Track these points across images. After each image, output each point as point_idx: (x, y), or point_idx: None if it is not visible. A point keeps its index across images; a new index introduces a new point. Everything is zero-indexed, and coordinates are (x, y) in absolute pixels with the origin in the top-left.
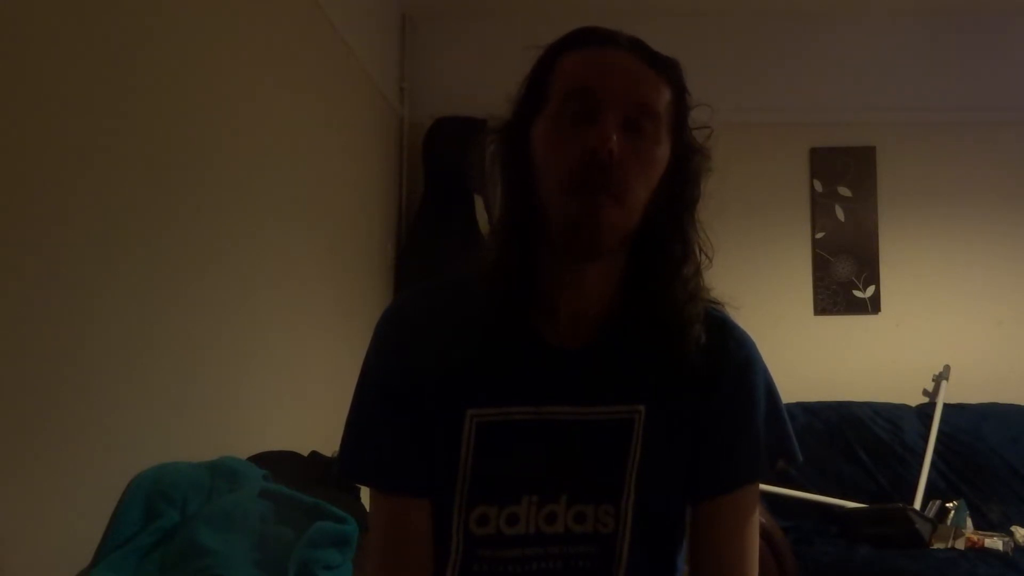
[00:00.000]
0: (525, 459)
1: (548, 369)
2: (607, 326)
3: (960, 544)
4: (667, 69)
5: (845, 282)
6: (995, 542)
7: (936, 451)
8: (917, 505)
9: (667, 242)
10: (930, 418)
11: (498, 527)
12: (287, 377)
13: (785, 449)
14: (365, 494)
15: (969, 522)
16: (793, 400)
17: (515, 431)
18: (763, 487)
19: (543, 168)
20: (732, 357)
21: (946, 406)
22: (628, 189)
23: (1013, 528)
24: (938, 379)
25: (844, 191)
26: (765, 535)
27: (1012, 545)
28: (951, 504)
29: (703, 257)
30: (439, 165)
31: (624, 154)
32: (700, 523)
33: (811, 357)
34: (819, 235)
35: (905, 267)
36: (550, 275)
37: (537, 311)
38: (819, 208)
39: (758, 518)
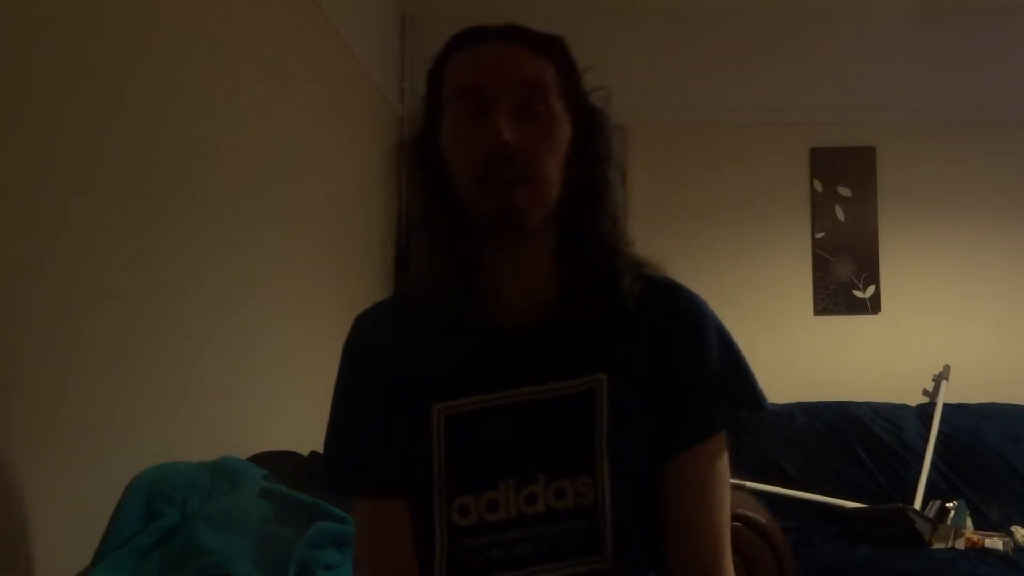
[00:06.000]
0: (496, 444)
1: (504, 353)
2: (554, 302)
3: (960, 544)
4: (546, 47)
5: (845, 282)
6: (995, 542)
7: (936, 451)
8: (917, 505)
9: (584, 207)
10: (930, 418)
11: (479, 515)
12: (287, 377)
13: (746, 396)
14: None
15: (969, 522)
16: (793, 400)
17: (482, 418)
18: (763, 487)
19: (455, 168)
20: (682, 314)
21: (946, 406)
22: (537, 169)
23: (1013, 528)
24: (938, 379)
25: (844, 191)
26: (765, 534)
27: (1012, 545)
28: (951, 504)
29: (619, 214)
30: None
31: (522, 139)
32: (668, 483)
33: (811, 357)
34: (819, 235)
35: (905, 267)
36: (487, 262)
37: (484, 298)
38: (819, 208)
39: (727, 474)
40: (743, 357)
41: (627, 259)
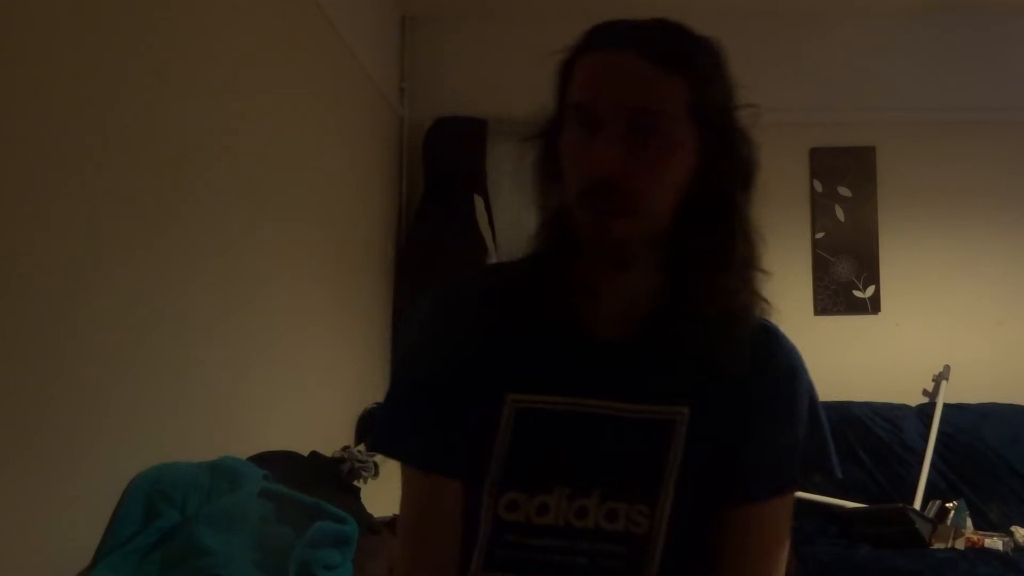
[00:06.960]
0: (560, 449)
1: (591, 361)
2: (654, 321)
3: (960, 544)
4: (679, 61)
5: (845, 282)
6: (995, 542)
7: (936, 451)
8: (917, 505)
9: (710, 232)
10: (930, 418)
11: (527, 515)
12: (287, 377)
13: (822, 463)
14: (366, 494)
15: (969, 522)
16: None
17: (553, 420)
18: None
19: (566, 177)
20: (778, 365)
21: (946, 406)
22: (640, 201)
23: (1013, 528)
24: (938, 379)
25: (844, 191)
26: None
27: (1012, 545)
28: (951, 504)
29: (753, 251)
30: (439, 165)
31: (631, 166)
32: (728, 531)
33: (811, 357)
34: (819, 235)
35: (905, 267)
36: (592, 269)
37: (583, 303)
38: (819, 208)
39: (788, 533)
40: (826, 423)
41: (748, 298)
